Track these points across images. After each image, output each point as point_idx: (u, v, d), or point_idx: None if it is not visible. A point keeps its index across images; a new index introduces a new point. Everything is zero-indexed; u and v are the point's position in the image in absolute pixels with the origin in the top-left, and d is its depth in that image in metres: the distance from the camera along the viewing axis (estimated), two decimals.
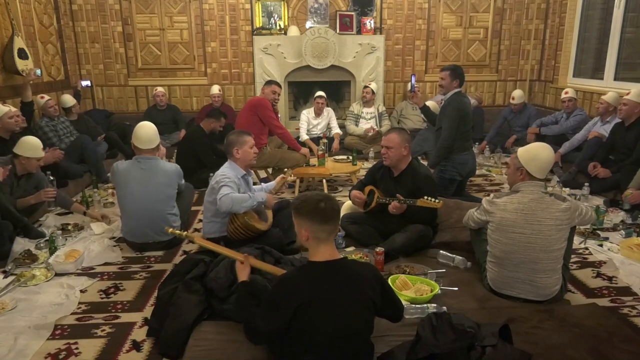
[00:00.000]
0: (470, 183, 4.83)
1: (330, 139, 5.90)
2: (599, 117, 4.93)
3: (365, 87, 6.30)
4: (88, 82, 6.42)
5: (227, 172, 3.11)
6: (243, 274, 2.14)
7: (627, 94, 4.32)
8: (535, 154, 2.50)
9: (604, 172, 4.31)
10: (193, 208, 4.03)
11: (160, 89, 6.36)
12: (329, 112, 6.26)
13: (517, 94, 6.08)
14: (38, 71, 4.99)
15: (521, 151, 2.55)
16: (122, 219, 3.38)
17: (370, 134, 6.06)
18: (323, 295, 1.74)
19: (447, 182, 4.04)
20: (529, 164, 2.48)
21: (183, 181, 3.59)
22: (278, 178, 3.59)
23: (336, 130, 6.20)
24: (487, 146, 6.04)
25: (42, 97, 5.05)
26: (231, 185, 3.02)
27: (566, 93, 5.45)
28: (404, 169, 3.20)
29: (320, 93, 6.13)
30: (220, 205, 2.96)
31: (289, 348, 1.78)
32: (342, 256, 1.91)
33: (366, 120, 6.32)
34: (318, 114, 6.14)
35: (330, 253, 1.82)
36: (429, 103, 5.29)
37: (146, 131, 3.35)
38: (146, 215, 3.25)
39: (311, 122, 6.17)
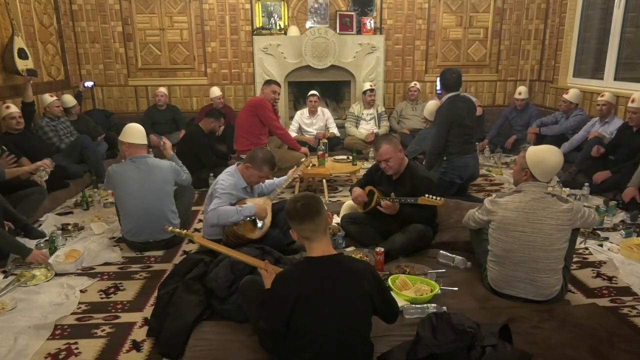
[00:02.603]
0: (471, 183, 4.81)
1: (331, 139, 5.91)
2: (597, 117, 4.94)
3: (371, 90, 6.25)
4: (91, 83, 6.41)
5: (226, 181, 3.05)
6: (269, 282, 2.01)
7: (632, 100, 4.29)
8: (543, 157, 2.47)
9: (603, 175, 4.31)
10: (193, 208, 4.02)
11: (162, 89, 6.36)
12: (324, 112, 6.26)
13: (524, 89, 6.14)
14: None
15: (530, 152, 2.52)
16: (122, 219, 3.38)
17: (370, 140, 6.05)
18: (320, 289, 1.75)
19: (446, 184, 4.01)
20: (534, 167, 2.47)
21: (185, 176, 3.57)
22: (290, 172, 3.56)
23: (333, 130, 6.21)
24: (487, 145, 6.05)
25: (51, 96, 5.06)
26: (225, 197, 2.97)
27: (566, 94, 5.47)
28: (402, 171, 3.20)
29: (312, 92, 6.14)
30: (207, 219, 2.96)
31: (289, 346, 1.78)
32: (337, 252, 1.90)
33: (366, 122, 6.31)
34: (312, 112, 6.15)
35: (324, 249, 1.83)
36: (430, 103, 5.31)
37: (138, 127, 3.39)
38: (146, 214, 3.26)
39: (304, 122, 6.18)
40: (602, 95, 4.86)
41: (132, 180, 3.28)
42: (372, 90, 6.25)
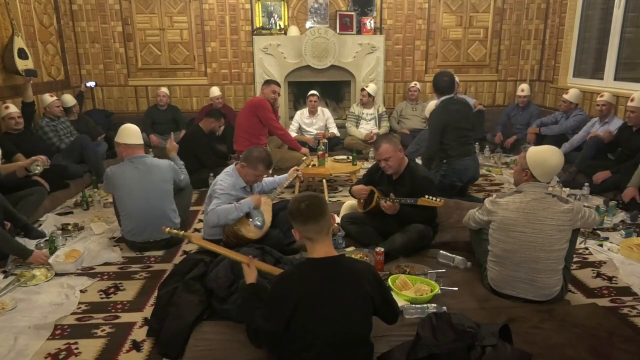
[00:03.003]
0: (471, 184, 4.80)
1: (331, 139, 5.92)
2: (597, 118, 4.95)
3: (362, 89, 6.27)
4: (93, 83, 6.40)
5: (225, 181, 3.06)
6: (250, 277, 2.09)
7: (632, 99, 4.30)
8: (544, 159, 2.47)
9: (603, 175, 4.30)
10: (193, 208, 4.02)
11: (163, 89, 6.35)
12: (324, 112, 6.26)
13: (526, 87, 6.19)
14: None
15: (530, 152, 2.52)
16: (122, 219, 3.37)
17: (370, 140, 6.03)
18: (321, 291, 1.75)
19: (446, 186, 3.99)
20: (535, 168, 2.47)
21: (182, 176, 3.58)
22: (291, 170, 3.56)
23: (333, 130, 6.21)
24: (497, 140, 6.12)
25: (51, 96, 5.06)
26: (224, 197, 2.97)
27: (566, 94, 5.47)
28: (402, 172, 3.20)
29: (312, 92, 6.14)
30: (207, 221, 2.96)
31: (289, 346, 1.78)
32: (339, 253, 1.91)
33: (367, 121, 6.31)
34: (312, 112, 6.15)
35: (326, 250, 1.83)
36: (431, 103, 5.30)
37: (133, 127, 3.39)
38: (147, 213, 3.26)
39: (304, 122, 6.18)
40: (602, 96, 4.87)
41: (131, 181, 3.28)
42: (362, 89, 6.24)
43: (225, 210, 2.90)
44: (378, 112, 6.34)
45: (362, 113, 6.33)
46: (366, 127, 6.26)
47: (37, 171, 3.84)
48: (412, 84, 6.60)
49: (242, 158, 3.12)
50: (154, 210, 3.28)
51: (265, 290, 2.14)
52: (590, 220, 2.49)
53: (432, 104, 5.18)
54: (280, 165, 4.80)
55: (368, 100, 6.25)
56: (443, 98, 4.08)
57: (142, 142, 3.42)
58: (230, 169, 3.17)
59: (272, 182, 3.47)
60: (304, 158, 3.96)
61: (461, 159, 4.00)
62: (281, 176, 3.55)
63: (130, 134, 3.36)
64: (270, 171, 4.90)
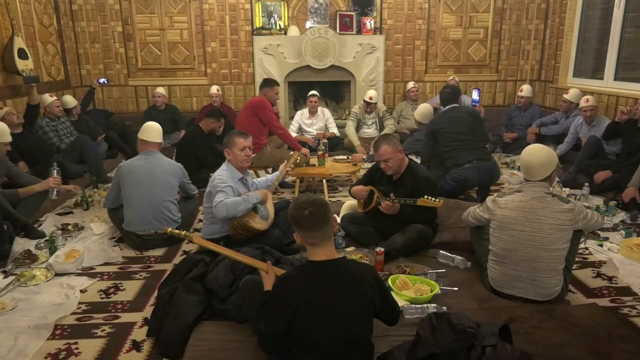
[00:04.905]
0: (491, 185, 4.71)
1: (331, 139, 5.91)
2: (582, 120, 4.95)
3: (369, 103, 6.10)
4: (105, 80, 6.40)
5: (223, 175, 3.10)
6: (268, 283, 2.01)
7: None
8: (524, 158, 2.54)
9: (604, 175, 4.30)
10: None
11: (159, 89, 6.35)
12: (325, 113, 6.25)
13: (526, 87, 6.17)
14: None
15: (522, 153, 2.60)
16: (125, 211, 3.40)
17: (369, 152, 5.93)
18: (322, 294, 1.74)
19: (445, 192, 3.90)
20: (522, 167, 2.56)
21: (190, 182, 3.70)
22: (282, 166, 3.60)
23: (333, 130, 6.21)
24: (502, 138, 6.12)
25: (51, 96, 5.06)
26: (227, 190, 3.01)
27: (566, 94, 5.47)
28: (402, 172, 3.20)
29: (313, 92, 6.13)
30: (216, 214, 2.98)
31: (290, 348, 1.78)
32: (340, 256, 1.90)
33: (367, 126, 6.28)
34: (312, 113, 6.15)
35: (328, 254, 1.82)
36: (421, 106, 5.30)
37: (153, 125, 3.54)
38: (149, 201, 3.33)
39: (304, 122, 6.18)
40: (587, 101, 4.87)
41: (138, 169, 3.39)
42: (368, 103, 6.10)
43: (234, 203, 2.95)
44: (379, 115, 6.31)
45: (364, 117, 6.29)
46: (367, 132, 6.24)
47: (53, 198, 3.84)
48: (412, 86, 6.58)
49: (224, 149, 3.19)
50: (156, 198, 3.34)
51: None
52: (592, 222, 2.48)
53: (422, 106, 5.20)
54: (280, 165, 4.79)
55: (375, 106, 6.22)
56: (446, 108, 4.17)
57: (158, 140, 3.54)
58: (224, 165, 3.22)
59: (265, 181, 3.54)
60: (292, 153, 3.94)
61: (457, 167, 3.91)
62: (273, 174, 3.63)
63: (148, 131, 3.52)
64: (271, 171, 4.93)
